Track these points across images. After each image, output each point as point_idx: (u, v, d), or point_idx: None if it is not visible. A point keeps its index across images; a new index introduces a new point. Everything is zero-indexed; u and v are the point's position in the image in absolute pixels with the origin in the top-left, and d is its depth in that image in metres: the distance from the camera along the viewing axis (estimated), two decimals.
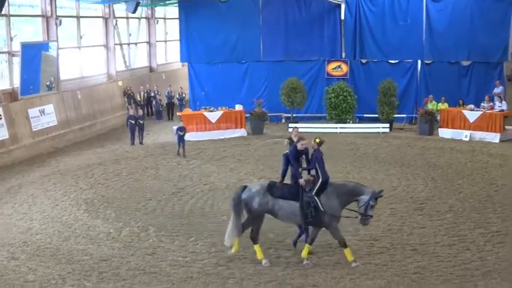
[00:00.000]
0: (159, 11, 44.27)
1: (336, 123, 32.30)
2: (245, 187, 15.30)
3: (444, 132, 30.24)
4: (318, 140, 14.96)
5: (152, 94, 37.79)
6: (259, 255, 15.07)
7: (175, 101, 37.94)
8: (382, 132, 31.23)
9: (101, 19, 36.56)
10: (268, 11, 34.99)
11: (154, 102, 37.64)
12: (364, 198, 14.58)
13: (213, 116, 31.12)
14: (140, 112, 31.22)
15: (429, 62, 34.06)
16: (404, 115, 33.53)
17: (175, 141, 27.45)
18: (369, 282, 13.86)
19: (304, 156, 15.38)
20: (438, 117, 30.92)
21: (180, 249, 16.12)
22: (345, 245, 14.81)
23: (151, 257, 15.62)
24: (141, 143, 29.72)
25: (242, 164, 25.34)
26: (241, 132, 31.39)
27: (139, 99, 37.10)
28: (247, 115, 32.03)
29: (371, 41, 34.40)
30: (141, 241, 16.77)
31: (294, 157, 15.18)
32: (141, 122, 29.97)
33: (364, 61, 34.67)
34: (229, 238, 15.17)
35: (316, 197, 14.59)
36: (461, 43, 33.26)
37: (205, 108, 31.81)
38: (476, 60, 33.44)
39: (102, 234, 17.32)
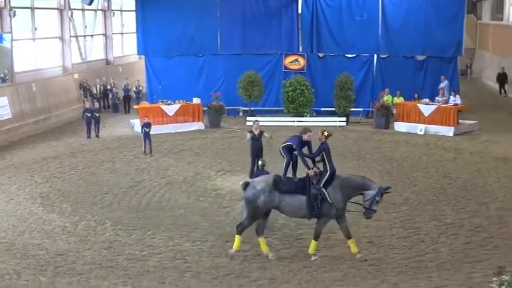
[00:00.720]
0: (116, 3, 43.85)
1: (293, 116, 32.42)
2: (247, 183, 15.01)
3: (400, 126, 30.58)
4: (326, 133, 14.99)
5: (109, 87, 37.47)
6: (265, 248, 15.01)
7: (132, 94, 37.64)
8: (339, 126, 31.43)
9: (56, 11, 36.01)
10: (225, 4, 34.89)
11: (110, 95, 37.32)
12: (371, 193, 14.56)
13: (171, 109, 30.98)
14: (96, 105, 30.90)
15: (385, 56, 34.43)
16: (361, 109, 33.81)
17: (142, 138, 26.38)
18: (326, 275, 13.99)
19: (307, 147, 15.29)
20: (394, 111, 31.27)
21: (137, 243, 16.05)
22: (317, 238, 14.86)
23: (108, 251, 15.52)
24: (97, 136, 29.46)
25: (200, 158, 25.30)
26: (198, 125, 31.32)
27: (95, 92, 36.75)
28: (205, 108, 31.97)
29: (328, 35, 34.58)
30: (98, 235, 16.66)
31: (301, 147, 15.07)
32: (97, 115, 29.70)
33: (321, 55, 34.85)
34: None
35: (324, 189, 14.59)
36: (416, 38, 33.71)
37: (162, 102, 31.64)
38: (431, 55, 33.98)
39: (58, 229, 17.15)
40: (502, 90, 42.57)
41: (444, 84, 32.66)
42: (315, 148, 15.18)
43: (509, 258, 14.62)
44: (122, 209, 18.85)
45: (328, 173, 14.66)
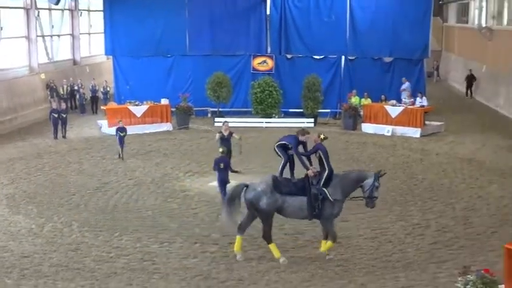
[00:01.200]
0: (83, 2, 43.53)
1: (262, 117, 32.47)
2: (246, 186, 14.90)
3: (367, 127, 30.81)
4: (322, 137, 15.21)
5: (76, 87, 37.17)
6: (276, 253, 14.84)
7: (100, 94, 37.40)
8: (307, 127, 31.50)
9: (22, 10, 35.63)
10: (194, 5, 34.85)
11: (78, 96, 37.02)
12: (369, 181, 14.70)
13: (138, 110, 30.84)
14: (63, 106, 30.64)
15: (353, 58, 34.67)
16: (329, 110, 34.00)
17: (117, 142, 25.19)
18: (294, 276, 14.03)
19: (302, 146, 15.47)
20: (361, 113, 31.48)
21: (104, 244, 15.94)
22: (334, 240, 14.94)
23: (75, 252, 15.40)
24: (64, 137, 29.21)
25: (168, 159, 25.22)
26: (166, 126, 31.23)
27: (62, 92, 36.41)
28: (173, 109, 31.89)
29: (296, 36, 34.71)
30: (64, 237, 16.51)
31: (296, 145, 15.20)
32: (64, 115, 29.46)
33: (289, 56, 34.95)
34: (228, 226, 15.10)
35: (324, 189, 14.65)
36: (383, 40, 34.04)
37: (130, 102, 31.50)
38: (398, 57, 34.34)
39: (24, 230, 16.96)
40: (469, 92, 43.11)
41: (406, 85, 33.05)
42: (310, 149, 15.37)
43: (474, 258, 14.84)
44: (89, 211, 18.71)
45: (326, 172, 14.75)
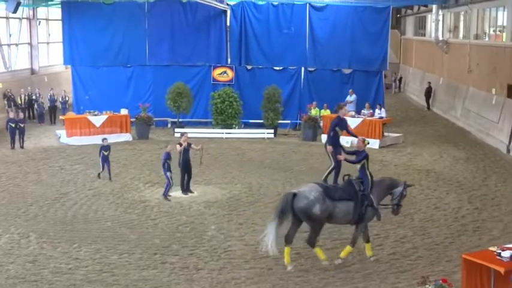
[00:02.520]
0: (42, 11, 43.08)
1: (222, 128, 32.47)
2: (295, 194, 14.92)
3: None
4: (366, 142, 16.14)
5: (34, 97, 36.70)
6: (321, 256, 15.20)
7: (58, 104, 37.01)
8: (267, 138, 31.67)
9: None
10: (154, 15, 34.74)
11: (36, 106, 36.57)
12: (399, 189, 15.44)
13: (98, 120, 30.59)
14: (21, 115, 30.28)
15: (312, 69, 34.93)
16: (289, 121, 34.15)
17: (99, 162, 23.60)
18: (254, 286, 14.04)
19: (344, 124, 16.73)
20: (321, 124, 31.68)
21: (62, 256, 15.75)
22: (354, 244, 15.45)
23: (33, 264, 15.19)
24: (21, 147, 28.81)
25: (127, 169, 25.05)
26: (126, 136, 31.03)
27: (20, 102, 35.89)
28: (133, 119, 31.71)
29: (256, 47, 34.84)
30: (22, 248, 16.27)
31: (340, 125, 16.53)
32: (22, 125, 29.08)
33: (249, 67, 35.04)
34: (273, 247, 14.68)
35: (370, 195, 15.20)
36: (342, 52, 34.39)
37: (89, 112, 31.25)
38: (357, 69, 34.68)
39: None
40: (428, 104, 43.61)
41: (352, 98, 33.42)
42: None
43: (432, 268, 15.03)
44: (47, 222, 18.47)
45: (369, 179, 15.31)
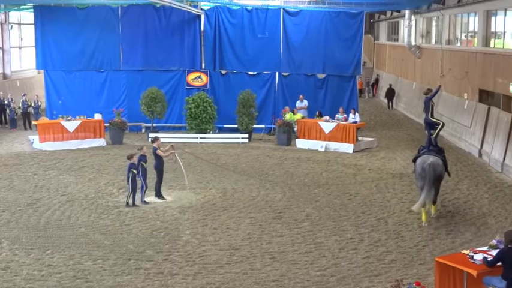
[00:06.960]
0: (14, 15, 42.73)
1: (196, 133, 32.42)
2: (432, 164, 18.65)
3: (301, 143, 31.09)
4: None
5: (6, 102, 36.35)
6: (424, 218, 18.93)
7: (31, 109, 36.68)
8: (242, 143, 31.68)
9: None
10: (127, 19, 34.60)
11: (8, 111, 36.21)
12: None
13: (71, 125, 30.36)
14: None
15: (286, 74, 35.02)
16: (263, 126, 34.21)
17: (137, 180, 20.67)
18: None
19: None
20: (295, 128, 31.77)
21: (35, 262, 15.61)
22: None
23: (5, 271, 15.02)
24: None
25: (101, 174, 24.90)
26: (100, 141, 30.85)
27: None
28: (106, 124, 31.54)
29: (230, 52, 34.82)
30: None
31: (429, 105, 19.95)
32: None
33: (223, 72, 35.02)
34: (420, 205, 18.60)
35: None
36: (316, 56, 34.52)
37: (62, 117, 31.01)
38: (331, 74, 34.82)
39: None
40: (390, 104, 46.81)
41: (303, 103, 33.58)
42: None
43: (406, 272, 15.13)
44: (20, 228, 18.28)
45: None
